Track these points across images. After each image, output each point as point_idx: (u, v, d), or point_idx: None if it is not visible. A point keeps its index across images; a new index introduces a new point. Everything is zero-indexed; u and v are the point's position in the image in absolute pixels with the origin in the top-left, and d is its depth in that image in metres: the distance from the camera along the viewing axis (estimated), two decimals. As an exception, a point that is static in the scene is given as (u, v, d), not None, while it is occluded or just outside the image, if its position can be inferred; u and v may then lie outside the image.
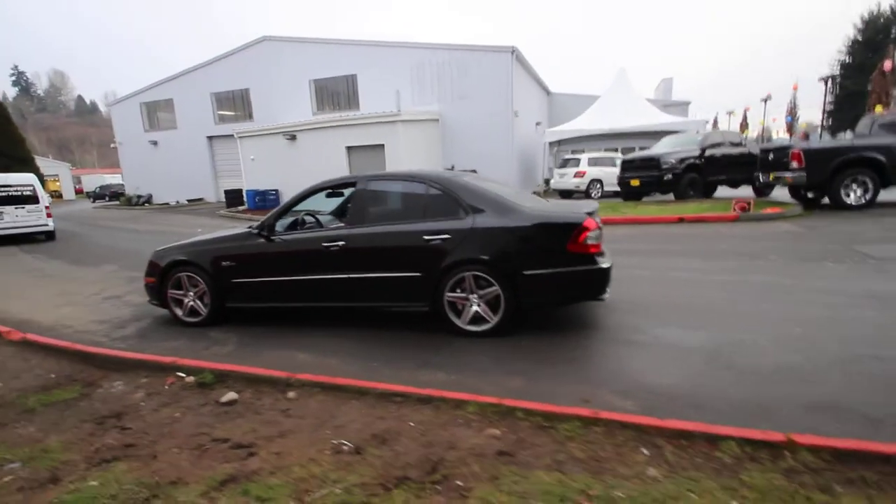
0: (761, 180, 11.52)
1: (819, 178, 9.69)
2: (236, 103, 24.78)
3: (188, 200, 26.01)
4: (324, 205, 5.23)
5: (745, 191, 13.87)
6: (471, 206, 4.02)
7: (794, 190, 11.17)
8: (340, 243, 4.21)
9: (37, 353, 4.32)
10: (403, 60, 19.71)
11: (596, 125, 18.43)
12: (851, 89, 49.81)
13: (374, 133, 16.99)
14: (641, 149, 16.57)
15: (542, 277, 3.84)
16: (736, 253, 6.74)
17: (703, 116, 20.98)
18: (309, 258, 4.37)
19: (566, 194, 16.95)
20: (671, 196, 13.41)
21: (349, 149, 17.62)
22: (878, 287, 4.81)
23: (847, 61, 54.29)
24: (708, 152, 13.26)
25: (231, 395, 3.10)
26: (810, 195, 10.72)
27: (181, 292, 4.83)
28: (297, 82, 22.20)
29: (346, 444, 2.37)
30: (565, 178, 16.88)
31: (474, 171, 18.93)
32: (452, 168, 18.76)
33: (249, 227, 4.80)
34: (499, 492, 1.96)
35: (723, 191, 14.35)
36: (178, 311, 4.87)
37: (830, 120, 50.09)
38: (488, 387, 3.06)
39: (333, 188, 4.78)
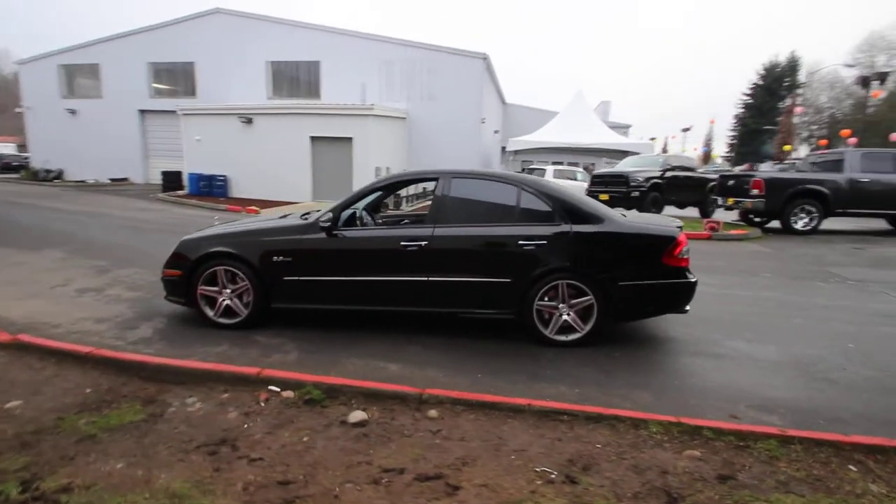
0: (719, 203, 12.57)
1: (775, 205, 10.78)
2: (177, 77, 22.59)
3: (111, 180, 23.21)
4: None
5: (691, 212, 15.06)
6: (566, 213, 3.94)
7: (744, 214, 12.34)
8: (422, 243, 3.93)
9: (44, 360, 3.54)
10: (372, 54, 19.14)
11: (556, 139, 19.14)
12: (752, 126, 56.58)
13: (343, 125, 16.29)
14: (608, 164, 17.45)
15: (637, 289, 3.86)
16: (734, 270, 7.27)
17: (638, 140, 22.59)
18: (382, 257, 4.05)
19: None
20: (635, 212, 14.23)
21: (313, 139, 16.73)
22: (877, 306, 5.40)
23: (750, 102, 61.69)
24: (668, 174, 14.25)
25: (360, 415, 2.73)
26: (757, 220, 11.92)
27: (215, 289, 4.23)
28: (252, 62, 20.73)
29: (550, 472, 2.18)
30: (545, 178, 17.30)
31: (439, 173, 18.90)
32: None
33: (305, 219, 4.35)
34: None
35: (669, 210, 15.52)
36: (209, 311, 4.26)
37: (733, 153, 56.49)
38: (621, 401, 3.00)
39: (411, 182, 4.48)
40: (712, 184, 15.19)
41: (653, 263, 3.89)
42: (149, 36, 22.12)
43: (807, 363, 3.76)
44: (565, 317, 3.91)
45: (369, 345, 3.93)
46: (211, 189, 17.64)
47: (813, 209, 10.70)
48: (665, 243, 3.88)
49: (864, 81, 23.84)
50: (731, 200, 11.93)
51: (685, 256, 3.92)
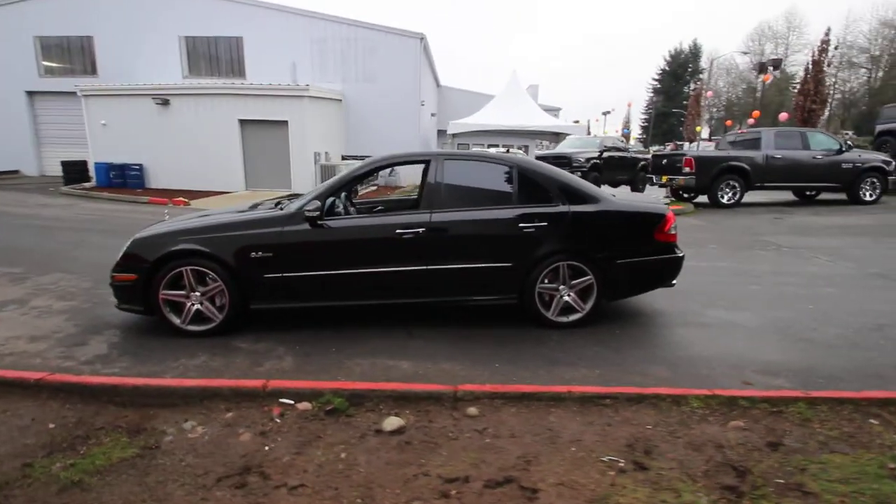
0: (654, 181, 13.35)
1: (704, 181, 11.65)
2: (73, 53, 19.86)
3: (-5, 172, 20.11)
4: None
5: (621, 190, 15.94)
6: (563, 193, 3.90)
7: (675, 191, 13.22)
8: (419, 230, 3.71)
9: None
10: (302, 30, 17.97)
11: (496, 121, 19.26)
12: (661, 110, 61.11)
13: (276, 107, 15.23)
14: (541, 147, 17.88)
15: (633, 266, 3.93)
16: (683, 243, 7.68)
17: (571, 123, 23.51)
18: (375, 248, 3.78)
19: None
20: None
21: (243, 122, 15.51)
22: (814, 270, 5.99)
23: (658, 87, 66.56)
24: (606, 154, 14.91)
25: (396, 422, 2.50)
26: (686, 195, 12.84)
27: (182, 293, 3.73)
28: (163, 37, 18.68)
29: (617, 461, 2.12)
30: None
31: (379, 158, 18.36)
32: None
33: (280, 208, 3.96)
34: (829, 482, 1.97)
35: (604, 188, 16.34)
36: (175, 319, 3.75)
37: (646, 135, 60.78)
38: (643, 378, 3.05)
39: (399, 164, 4.20)
40: (643, 163, 16.20)
41: (647, 240, 3.99)
42: (34, 5, 19.21)
43: (782, 326, 4.05)
44: (566, 298, 3.91)
45: (367, 342, 3.68)
46: (124, 180, 15.86)
47: (736, 184, 11.69)
48: (657, 220, 3.98)
49: (762, 67, 26.38)
50: (664, 178, 12.71)
51: (674, 232, 4.06)
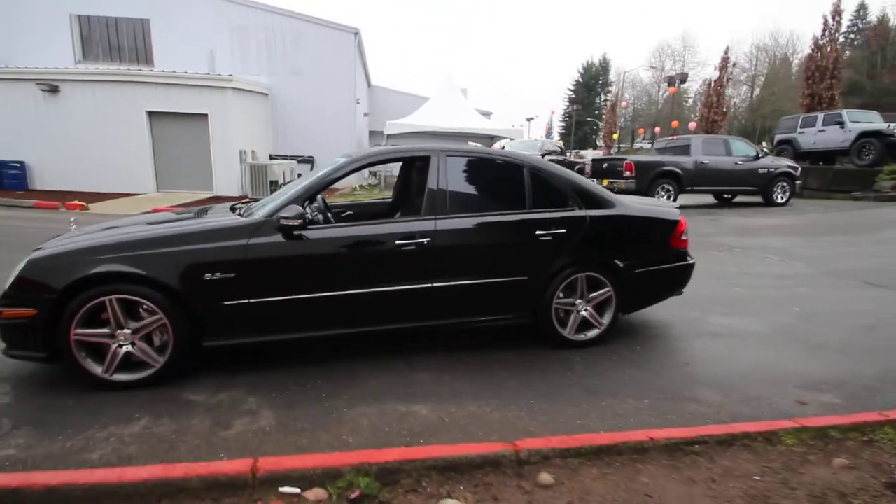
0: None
1: (643, 184, 12.08)
2: (-77, 26, 16.42)
3: None
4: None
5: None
6: (579, 196, 3.51)
7: (616, 193, 13.68)
8: (423, 241, 3.11)
9: None
10: (221, 16, 16.27)
11: (433, 122, 18.87)
12: (577, 118, 65.05)
13: (194, 99, 13.58)
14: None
15: (650, 275, 3.64)
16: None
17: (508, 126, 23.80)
18: (369, 264, 3.11)
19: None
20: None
21: (152, 115, 13.66)
22: (776, 270, 6.19)
23: (573, 97, 70.74)
24: (547, 157, 15.10)
25: None
26: (624, 198, 13.32)
27: (104, 331, 2.76)
28: (48, 14, 16.02)
29: None
30: (415, 172, 16.82)
31: (311, 159, 17.16)
32: (312, 158, 16.60)
33: (240, 213, 3.19)
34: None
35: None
36: (96, 367, 2.78)
37: (564, 142, 64.22)
38: (697, 405, 2.75)
39: (394, 160, 3.53)
40: (578, 166, 16.67)
41: (663, 247, 3.73)
42: None
43: (788, 332, 3.99)
44: (583, 313, 3.52)
45: (364, 382, 3.00)
46: (1, 181, 13.31)
47: (671, 187, 12.27)
48: (672, 226, 3.73)
49: (671, 81, 28.50)
50: (605, 181, 13.04)
51: (686, 238, 3.83)
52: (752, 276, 5.85)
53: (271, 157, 15.91)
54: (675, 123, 28.61)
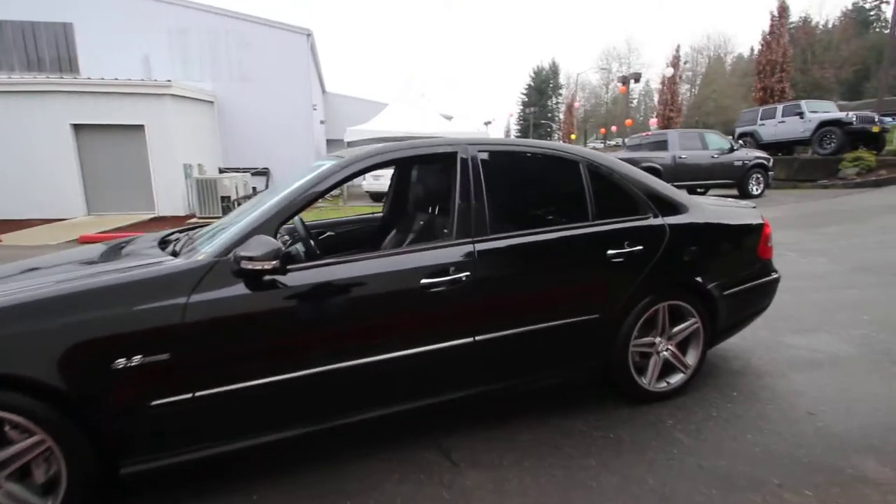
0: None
1: (625, 182, 11.68)
2: None
3: None
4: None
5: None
6: (653, 200, 2.69)
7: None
8: (462, 276, 2.17)
9: None
10: (156, 18, 14.75)
11: (396, 128, 17.97)
12: (532, 121, 66.23)
13: (127, 108, 12.04)
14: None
15: (740, 296, 2.86)
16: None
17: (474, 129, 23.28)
18: (385, 317, 2.12)
19: (379, 197, 15.92)
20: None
21: (78, 128, 12.03)
22: (802, 268, 5.67)
23: (526, 101, 72.06)
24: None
25: None
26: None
27: None
28: (-53, 19, 14.04)
29: None
30: (381, 180, 15.80)
31: (266, 171, 15.82)
32: (267, 170, 15.25)
33: (174, 249, 2.21)
34: None
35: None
36: None
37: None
38: (874, 491, 1.96)
39: (403, 160, 2.58)
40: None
41: (751, 260, 2.95)
42: None
43: (876, 348, 3.35)
44: (664, 354, 2.70)
45: (383, 491, 2.05)
46: None
47: (652, 184, 11.94)
48: (758, 231, 2.97)
49: (625, 80, 28.85)
50: (584, 181, 12.58)
51: (771, 245, 3.09)
52: (786, 278, 5.26)
53: (221, 171, 14.49)
54: (628, 122, 28.98)
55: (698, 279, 2.68)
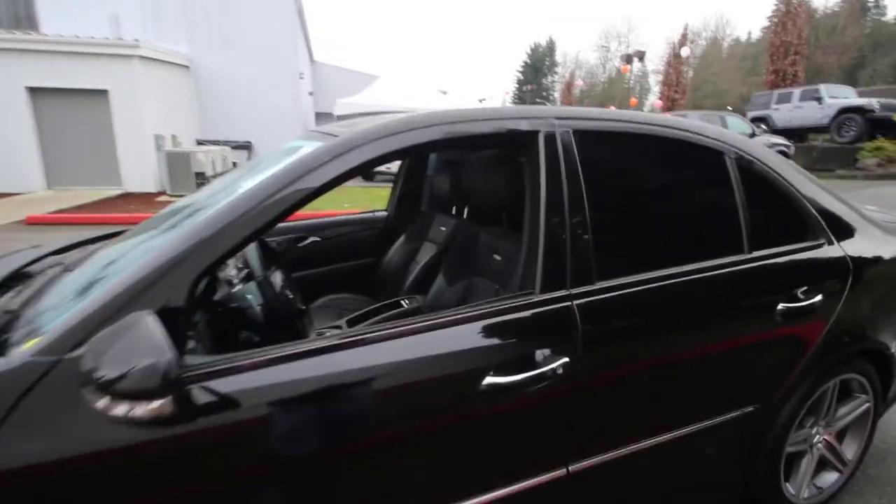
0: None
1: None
2: None
3: None
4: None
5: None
6: (823, 215, 1.72)
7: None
8: (558, 364, 1.19)
9: None
10: (125, -28, 13.27)
11: (387, 101, 16.85)
12: (528, 101, 65.09)
13: (90, 71, 10.72)
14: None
15: None
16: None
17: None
18: (413, 451, 1.15)
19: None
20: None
21: (35, 92, 10.71)
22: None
23: (522, 79, 70.68)
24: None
25: None
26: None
27: None
28: None
29: None
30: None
31: (248, 144, 14.60)
32: (249, 143, 14.04)
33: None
34: None
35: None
36: None
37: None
38: None
39: (450, 141, 1.41)
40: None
41: None
42: None
43: None
44: (819, 447, 1.83)
45: None
46: None
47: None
48: None
49: (628, 59, 27.71)
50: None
51: None
52: None
53: (199, 143, 13.27)
54: (633, 101, 28.03)
55: (880, 338, 1.79)
